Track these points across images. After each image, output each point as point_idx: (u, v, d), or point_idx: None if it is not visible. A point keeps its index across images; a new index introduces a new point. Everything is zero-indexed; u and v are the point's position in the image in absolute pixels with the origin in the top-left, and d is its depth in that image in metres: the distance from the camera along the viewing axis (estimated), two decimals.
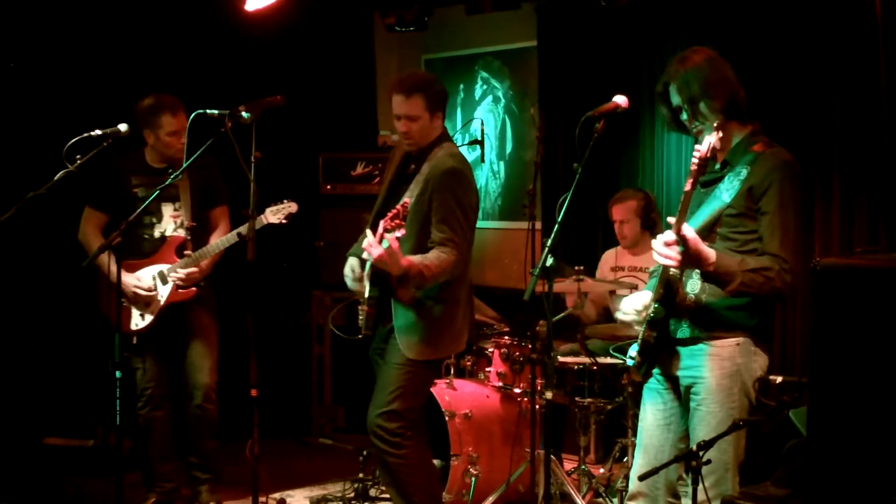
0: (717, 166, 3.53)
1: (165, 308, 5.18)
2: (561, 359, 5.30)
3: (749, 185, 3.40)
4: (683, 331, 3.53)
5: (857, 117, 5.38)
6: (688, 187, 3.34)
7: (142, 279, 5.15)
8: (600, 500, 5.20)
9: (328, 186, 7.13)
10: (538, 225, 5.59)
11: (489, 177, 7.53)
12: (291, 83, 6.85)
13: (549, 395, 4.13)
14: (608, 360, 5.40)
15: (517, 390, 5.25)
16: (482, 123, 7.01)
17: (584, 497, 5.05)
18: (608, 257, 6.01)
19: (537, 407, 4.36)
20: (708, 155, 3.32)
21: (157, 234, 5.25)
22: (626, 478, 4.95)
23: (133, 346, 5.20)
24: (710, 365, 3.47)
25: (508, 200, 7.44)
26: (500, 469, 5.17)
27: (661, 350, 3.58)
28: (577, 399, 5.30)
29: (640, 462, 3.71)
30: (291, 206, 5.01)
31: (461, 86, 7.70)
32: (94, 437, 5.97)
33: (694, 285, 3.51)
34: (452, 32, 7.61)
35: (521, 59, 7.28)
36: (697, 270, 3.44)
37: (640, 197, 5.81)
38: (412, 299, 4.35)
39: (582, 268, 5.28)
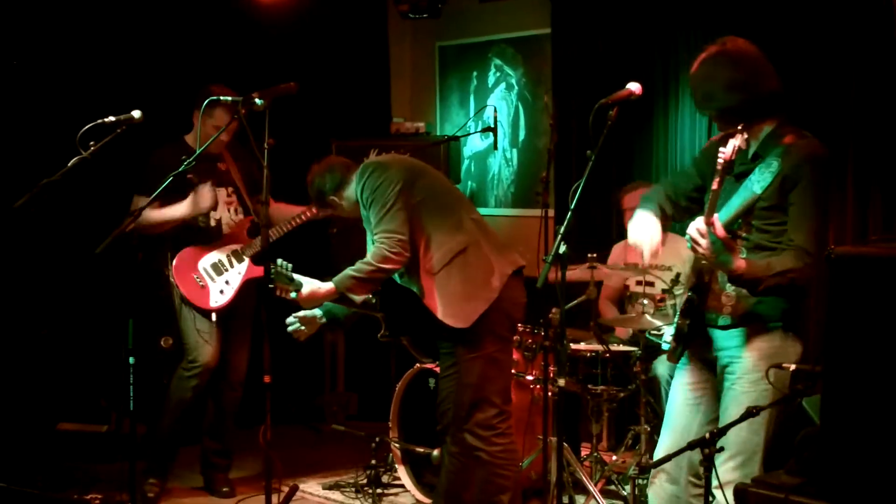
0: (749, 157, 3.56)
1: (244, 285, 5.37)
2: (573, 346, 5.30)
3: (781, 178, 3.43)
4: (724, 319, 3.57)
5: (871, 105, 5.36)
6: (715, 186, 3.36)
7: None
8: (612, 487, 5.20)
9: None
10: (551, 212, 5.58)
11: (502, 164, 7.52)
12: (305, 70, 6.86)
13: (561, 382, 4.13)
14: (621, 347, 5.40)
15: (530, 378, 5.25)
16: (495, 111, 6.99)
17: (596, 484, 5.05)
18: (619, 251, 5.96)
19: (549, 394, 4.36)
20: (732, 157, 3.35)
21: (213, 221, 5.39)
22: (639, 465, 4.95)
23: (212, 323, 5.35)
24: (749, 346, 3.51)
25: (521, 188, 7.43)
26: None
27: (695, 335, 3.63)
28: (589, 386, 5.29)
29: (665, 442, 3.72)
30: None
31: (475, 73, 7.68)
32: (108, 422, 6.00)
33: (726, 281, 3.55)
34: (466, 19, 7.59)
35: (535, 46, 7.26)
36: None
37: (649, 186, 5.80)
38: None
39: (595, 255, 5.27)
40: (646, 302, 5.30)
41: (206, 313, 5.34)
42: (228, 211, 5.42)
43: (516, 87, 7.44)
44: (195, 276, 5.34)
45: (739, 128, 3.41)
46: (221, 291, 5.35)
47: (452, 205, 4.41)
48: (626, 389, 5.26)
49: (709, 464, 3.16)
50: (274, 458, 4.14)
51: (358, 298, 4.28)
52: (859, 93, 5.41)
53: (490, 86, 7.58)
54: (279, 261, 4.20)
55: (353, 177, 4.42)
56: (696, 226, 3.37)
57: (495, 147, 6.87)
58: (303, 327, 4.55)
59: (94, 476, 5.56)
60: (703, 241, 3.34)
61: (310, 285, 4.23)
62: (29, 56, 6.02)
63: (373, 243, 4.28)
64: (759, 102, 3.52)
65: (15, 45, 5.97)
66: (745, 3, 5.89)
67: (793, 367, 3.30)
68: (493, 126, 6.46)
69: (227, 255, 5.38)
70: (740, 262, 3.37)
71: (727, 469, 3.49)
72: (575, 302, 5.27)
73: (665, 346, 3.74)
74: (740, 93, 3.49)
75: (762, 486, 3.09)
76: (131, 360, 4.43)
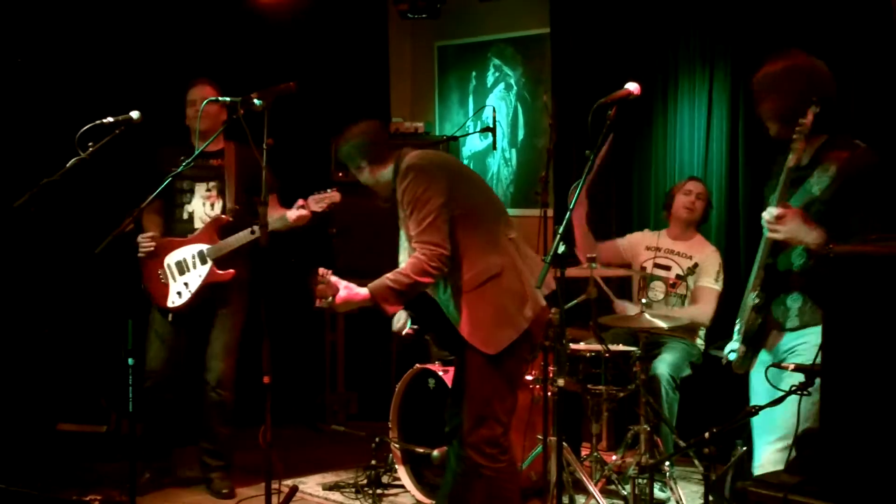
0: (804, 164, 3.61)
1: (203, 288, 5.28)
2: (573, 346, 5.30)
3: (841, 182, 3.51)
4: (792, 320, 3.62)
5: (871, 104, 5.36)
6: (791, 163, 3.48)
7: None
8: (613, 487, 5.20)
9: (340, 173, 7.12)
10: (550, 212, 5.58)
11: (501, 164, 7.52)
12: (304, 69, 6.87)
13: (561, 382, 4.12)
14: (620, 347, 5.40)
15: (529, 377, 5.24)
16: (494, 110, 7.00)
17: (596, 484, 5.05)
18: (647, 236, 5.97)
19: (549, 394, 4.36)
20: (809, 126, 3.46)
21: (185, 214, 5.36)
22: (639, 465, 4.95)
23: (169, 322, 5.34)
24: (812, 340, 3.54)
25: (520, 188, 7.44)
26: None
27: (763, 336, 3.68)
28: (589, 386, 5.29)
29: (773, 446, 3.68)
30: (334, 196, 5.06)
31: (474, 73, 7.68)
32: (107, 422, 6.00)
33: (798, 259, 3.62)
34: (465, 19, 7.60)
35: (534, 46, 7.27)
36: (798, 251, 3.59)
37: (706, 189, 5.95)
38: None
39: (594, 255, 5.28)
40: (658, 285, 5.45)
41: (164, 312, 5.33)
42: (204, 205, 5.37)
43: (515, 87, 7.44)
44: (159, 272, 5.32)
45: (814, 100, 3.49)
46: (179, 293, 5.30)
47: (491, 221, 4.19)
48: (626, 389, 5.26)
49: (709, 463, 3.16)
50: (274, 458, 4.14)
51: (391, 310, 4.05)
52: (859, 92, 5.41)
53: (489, 85, 7.59)
54: (321, 270, 4.06)
55: (392, 162, 4.23)
56: (771, 211, 3.48)
57: (494, 147, 6.89)
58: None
59: (93, 476, 5.56)
60: (782, 220, 3.44)
61: (346, 290, 4.03)
62: (29, 56, 6.02)
63: (409, 248, 4.09)
64: (823, 115, 3.55)
65: (15, 45, 5.97)
66: (745, 3, 5.89)
67: (791, 365, 3.30)
68: (492, 126, 6.47)
69: (193, 255, 5.30)
70: (821, 230, 3.45)
71: (773, 449, 3.55)
72: (574, 301, 5.27)
73: (731, 357, 3.73)
74: (808, 105, 3.54)
75: (761, 485, 3.09)
76: (130, 360, 4.43)
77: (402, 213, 4.16)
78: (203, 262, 5.28)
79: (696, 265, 5.66)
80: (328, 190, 5.13)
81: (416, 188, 4.04)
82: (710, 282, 5.65)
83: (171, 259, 5.32)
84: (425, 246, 3.96)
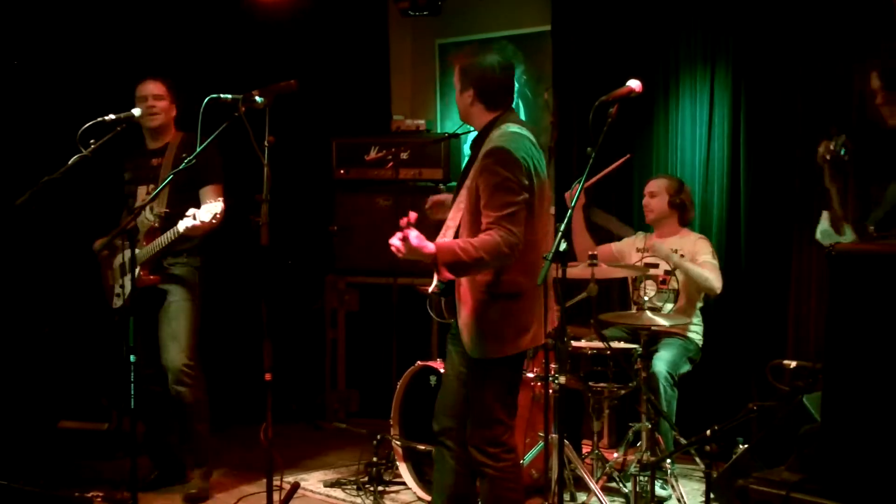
0: None
1: (136, 291, 5.17)
2: (574, 343, 5.31)
3: None
4: None
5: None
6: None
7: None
8: (614, 484, 5.21)
9: (342, 171, 7.12)
10: (552, 210, 5.58)
11: None
12: (305, 68, 6.86)
13: (562, 379, 4.12)
14: (622, 344, 5.40)
15: (530, 375, 5.25)
16: None
17: (597, 482, 5.05)
18: (637, 239, 5.99)
19: (550, 392, 4.36)
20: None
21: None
22: (640, 462, 4.96)
23: (116, 322, 5.33)
24: None
25: None
26: None
27: None
28: (591, 384, 5.30)
29: None
30: (216, 206, 4.92)
31: None
32: (108, 420, 6.01)
33: None
34: (466, 17, 7.59)
35: (535, 43, 7.25)
36: None
37: (674, 179, 5.93)
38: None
39: (595, 253, 5.29)
40: (649, 283, 5.52)
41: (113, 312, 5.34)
42: (144, 209, 5.23)
43: (516, 85, 7.42)
44: (110, 272, 5.35)
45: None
46: (118, 294, 5.32)
47: (539, 242, 4.04)
48: (628, 386, 5.26)
49: (711, 461, 3.16)
50: (275, 455, 4.14)
51: (444, 276, 3.82)
52: (861, 91, 5.41)
53: None
54: (411, 214, 3.79)
55: (494, 115, 4.11)
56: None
57: None
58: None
59: (95, 474, 5.57)
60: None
61: (417, 239, 3.75)
62: (29, 56, 6.03)
63: (467, 219, 3.93)
64: None
65: (15, 45, 5.97)
66: (747, 1, 5.89)
67: (793, 364, 3.30)
68: None
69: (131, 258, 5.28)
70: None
71: None
72: (576, 299, 5.27)
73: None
74: None
75: (763, 483, 3.09)
76: (132, 358, 4.43)
77: (470, 180, 3.98)
78: (136, 265, 5.24)
79: (682, 256, 5.65)
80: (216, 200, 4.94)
81: (507, 171, 3.85)
82: (709, 258, 5.61)
83: (117, 261, 5.35)
84: (505, 228, 3.78)
